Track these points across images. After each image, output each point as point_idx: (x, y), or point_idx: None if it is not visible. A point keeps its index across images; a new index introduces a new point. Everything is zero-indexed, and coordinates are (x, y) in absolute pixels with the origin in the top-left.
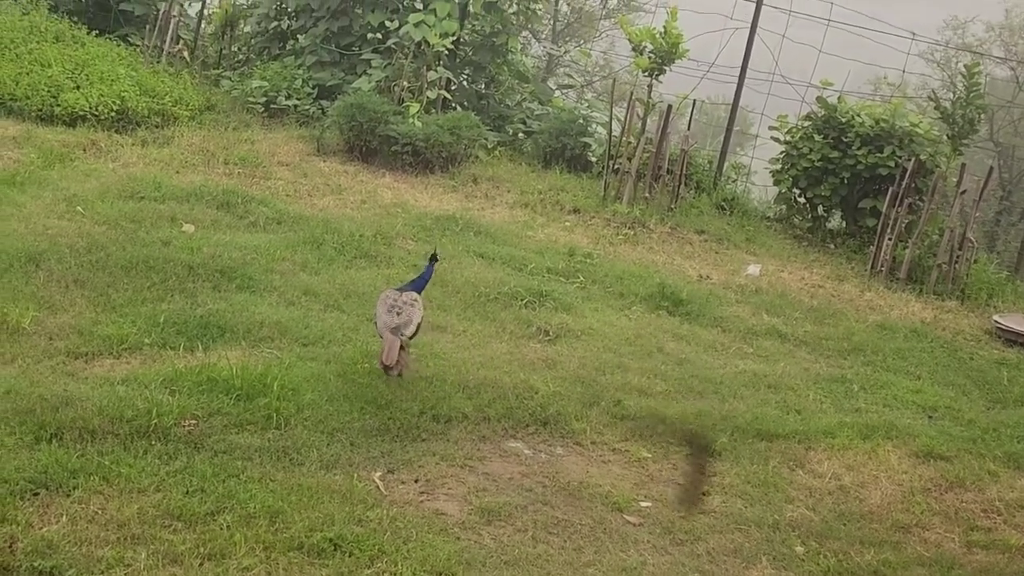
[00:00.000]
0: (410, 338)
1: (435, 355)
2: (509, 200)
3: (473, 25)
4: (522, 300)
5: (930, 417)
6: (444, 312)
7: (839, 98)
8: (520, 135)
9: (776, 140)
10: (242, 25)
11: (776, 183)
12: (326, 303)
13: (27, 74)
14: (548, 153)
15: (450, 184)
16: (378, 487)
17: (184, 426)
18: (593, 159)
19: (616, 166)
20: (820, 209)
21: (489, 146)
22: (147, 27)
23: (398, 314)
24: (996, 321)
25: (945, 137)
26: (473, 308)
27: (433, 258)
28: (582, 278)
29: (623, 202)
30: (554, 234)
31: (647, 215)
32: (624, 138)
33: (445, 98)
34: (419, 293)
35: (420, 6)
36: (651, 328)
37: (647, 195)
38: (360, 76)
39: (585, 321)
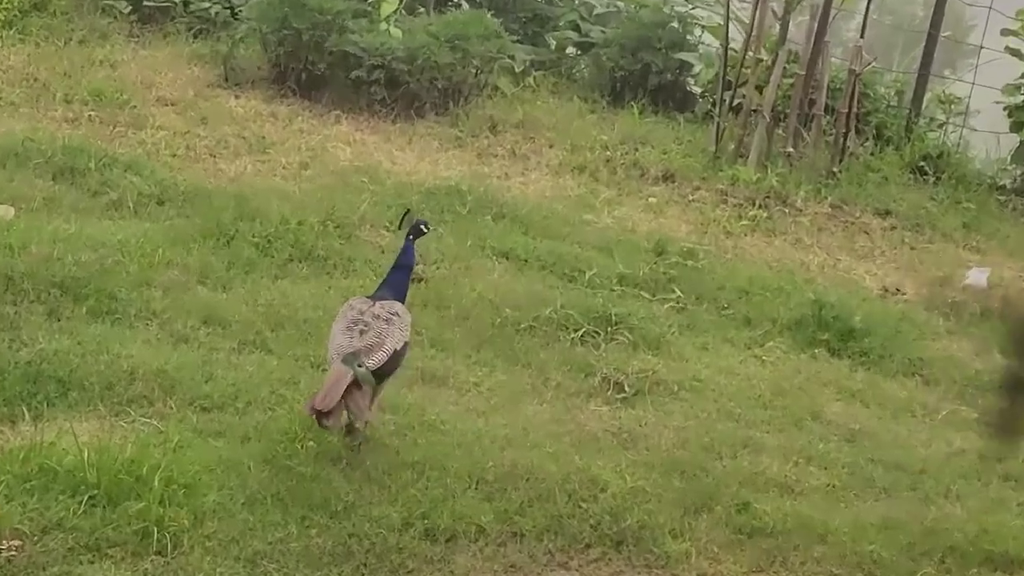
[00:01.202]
0: (377, 374)
1: (429, 425)
2: (553, 160)
3: None
4: (576, 331)
5: None
6: (443, 351)
7: None
8: (571, 50)
9: (1016, 54)
10: None
11: (1016, 128)
12: (241, 338)
13: None
14: (619, 80)
15: (452, 135)
16: None
17: (1, 551)
18: (697, 90)
19: (737, 101)
20: None
21: (518, 69)
22: None
23: (361, 333)
24: None
25: None
26: (493, 345)
27: (414, 227)
28: (679, 293)
29: (749, 162)
30: (630, 218)
31: (791, 184)
32: (750, 53)
33: None
34: (403, 301)
35: None
36: (800, 378)
37: (790, 150)
38: None
39: (686, 367)
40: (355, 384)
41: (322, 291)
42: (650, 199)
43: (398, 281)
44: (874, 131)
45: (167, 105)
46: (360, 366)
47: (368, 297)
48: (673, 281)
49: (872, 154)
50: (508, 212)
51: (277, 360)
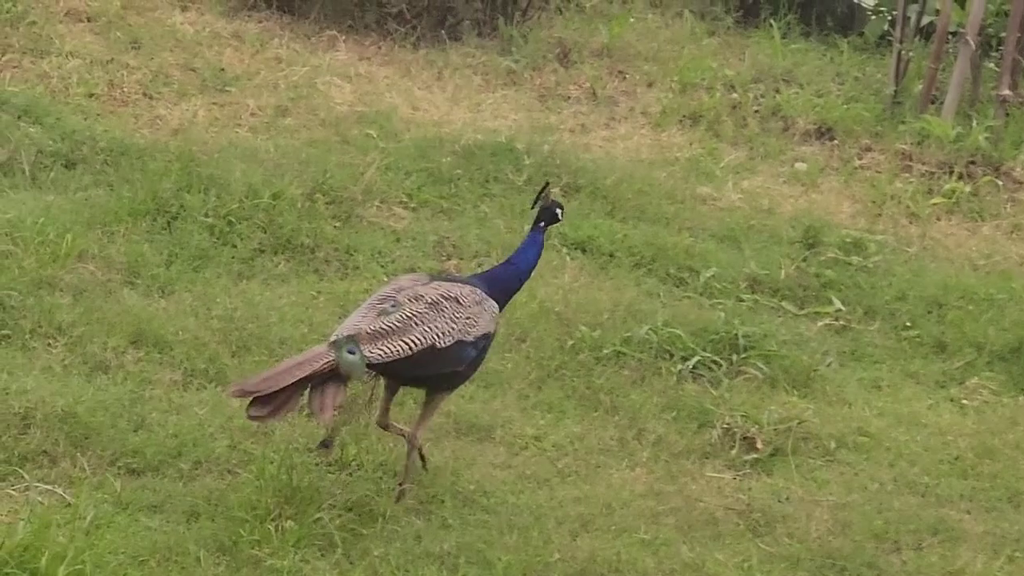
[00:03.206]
0: (391, 372)
1: (466, 498)
2: (652, 107)
3: None
4: (685, 360)
5: None
6: (488, 389)
7: None
8: None
9: None
10: None
11: None
12: (188, 367)
13: None
14: None
15: (502, 67)
16: None
17: None
18: (869, 2)
19: (927, 20)
20: None
21: None
22: None
23: (381, 313)
24: None
25: None
26: (561, 379)
27: (547, 210)
28: (839, 305)
29: (945, 111)
30: (768, 193)
31: (1007, 144)
32: None
33: None
34: (501, 303)
35: None
36: (1017, 432)
37: (1007, 92)
38: None
39: (848, 415)
40: (333, 375)
41: (307, 297)
42: (797, 164)
43: (503, 276)
44: None
45: (81, 21)
46: (352, 352)
47: (435, 276)
48: (830, 287)
49: None
50: (585, 183)
51: (240, 399)
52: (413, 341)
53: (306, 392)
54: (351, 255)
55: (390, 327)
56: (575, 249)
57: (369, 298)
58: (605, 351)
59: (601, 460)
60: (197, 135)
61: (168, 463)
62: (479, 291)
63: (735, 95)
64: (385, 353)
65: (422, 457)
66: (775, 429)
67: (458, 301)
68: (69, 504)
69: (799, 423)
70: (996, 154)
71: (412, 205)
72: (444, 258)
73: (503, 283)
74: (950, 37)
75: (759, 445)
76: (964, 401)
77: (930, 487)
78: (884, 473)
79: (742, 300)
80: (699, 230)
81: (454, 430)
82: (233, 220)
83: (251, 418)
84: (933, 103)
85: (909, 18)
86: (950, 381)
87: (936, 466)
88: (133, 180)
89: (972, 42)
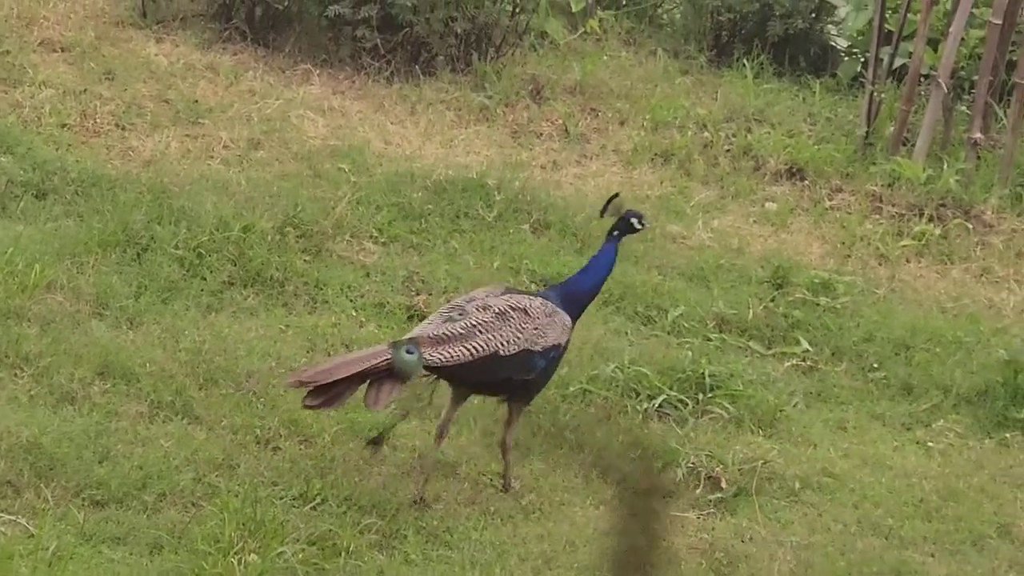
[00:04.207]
0: (449, 375)
1: (429, 534)
2: (624, 144)
3: None
4: (652, 399)
5: None
6: (453, 425)
7: None
8: None
9: None
10: None
11: None
12: (154, 399)
13: None
14: (725, 28)
15: (475, 102)
16: None
17: None
18: (841, 44)
19: (900, 62)
20: None
21: (576, 7)
22: None
23: (447, 320)
24: None
25: None
26: (526, 417)
27: (623, 220)
28: (807, 345)
29: (916, 153)
30: (738, 232)
31: (977, 187)
32: None
33: None
34: (574, 315)
35: None
36: (983, 476)
37: (978, 136)
38: None
39: (813, 456)
40: (391, 373)
41: (275, 331)
42: (768, 204)
43: (577, 288)
44: None
45: (55, 51)
46: (410, 352)
47: (510, 288)
48: (798, 328)
49: None
50: (556, 220)
51: (206, 432)
52: (475, 347)
53: (361, 387)
54: (320, 289)
55: (453, 333)
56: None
57: (440, 307)
58: (571, 388)
59: (565, 498)
60: (169, 167)
61: (132, 495)
62: (551, 304)
63: (707, 134)
64: (444, 357)
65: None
66: (740, 469)
67: (526, 312)
68: (32, 535)
69: (764, 463)
70: (967, 197)
71: (382, 240)
72: (413, 293)
73: (577, 295)
74: (922, 79)
75: (723, 485)
76: (930, 444)
77: (894, 529)
78: (848, 514)
79: (709, 339)
80: (668, 268)
81: (419, 466)
82: (203, 252)
83: (305, 406)
84: (904, 145)
85: (882, 60)
86: (916, 423)
87: (900, 508)
88: (104, 211)
89: (944, 85)
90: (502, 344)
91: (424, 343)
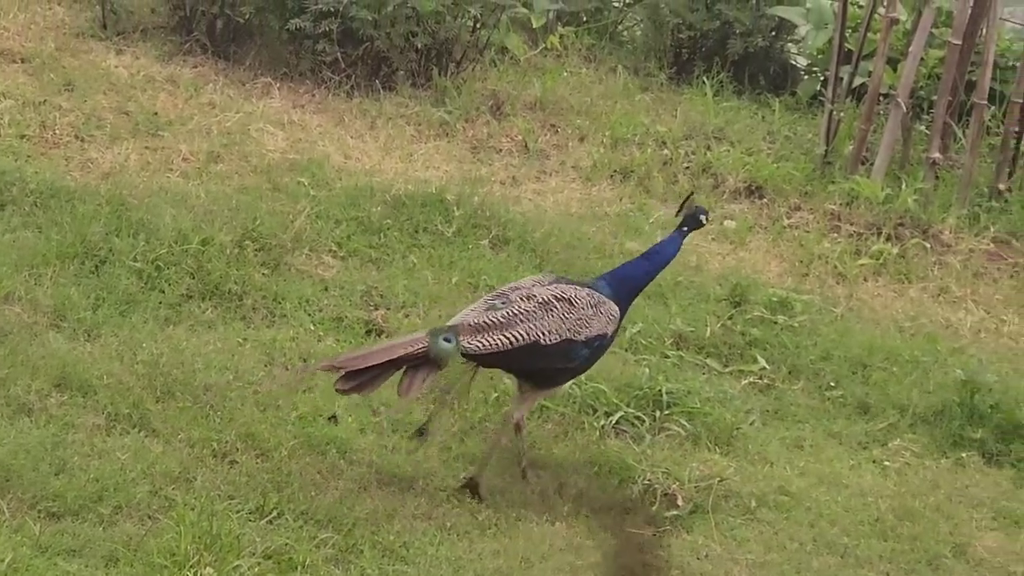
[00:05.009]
0: (488, 363)
1: (385, 549)
2: (584, 160)
3: None
4: (609, 416)
5: None
6: (412, 437)
7: None
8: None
9: None
10: None
11: None
12: (112, 412)
13: None
14: (686, 45)
15: (435, 117)
16: None
17: None
18: (801, 62)
19: (859, 82)
20: None
21: (536, 24)
22: None
23: (488, 309)
24: None
25: None
26: (483, 432)
27: (692, 216)
28: (764, 363)
29: (874, 172)
30: (696, 249)
31: (935, 206)
32: (881, 10)
33: None
34: (625, 304)
35: None
36: (939, 495)
37: (936, 156)
38: None
39: (770, 474)
40: (427, 361)
41: (233, 344)
42: (726, 222)
43: (633, 274)
44: None
45: (15, 61)
46: (448, 340)
47: (560, 277)
48: (755, 346)
49: None
50: (515, 235)
51: (163, 445)
52: (515, 336)
53: (397, 373)
54: (279, 303)
55: (494, 322)
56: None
57: (484, 295)
58: (533, 409)
59: (521, 513)
60: (128, 179)
61: (88, 508)
62: (598, 294)
63: (666, 151)
64: (483, 346)
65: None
66: (696, 486)
67: (571, 302)
68: None
69: (720, 481)
70: (925, 216)
71: (341, 254)
72: (371, 308)
73: (631, 280)
74: (881, 99)
75: (680, 502)
76: (886, 463)
77: (849, 548)
78: (804, 533)
79: (667, 356)
80: None
81: (376, 480)
82: (161, 265)
83: (338, 390)
84: (863, 164)
85: (842, 79)
86: (872, 442)
87: (856, 527)
88: (62, 223)
89: (903, 104)
90: (543, 333)
91: (463, 331)
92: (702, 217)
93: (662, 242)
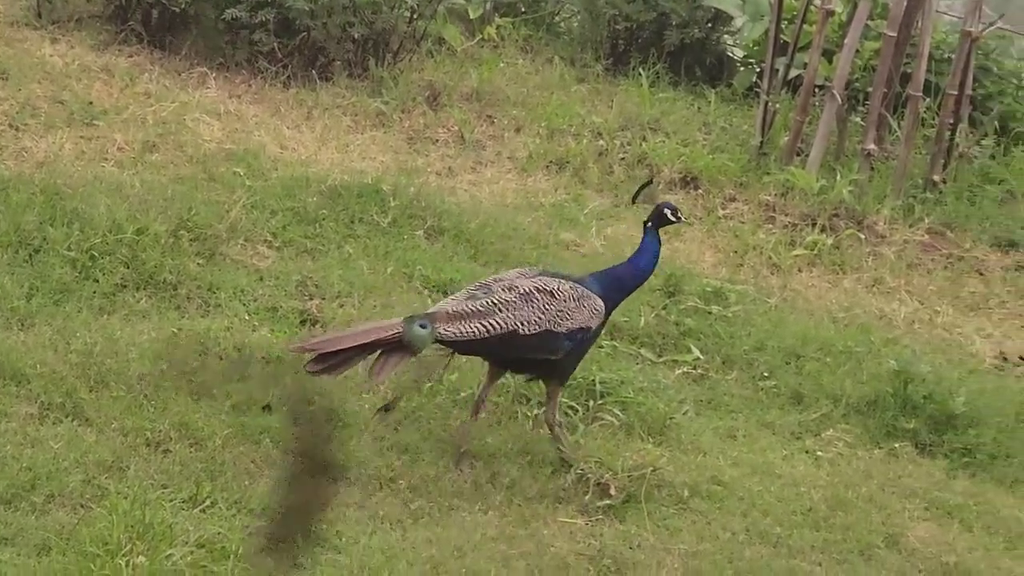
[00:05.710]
0: (466, 350)
1: (320, 537)
2: (519, 151)
3: None
4: (540, 403)
5: None
6: (344, 429)
7: None
8: None
9: None
10: None
11: None
12: (44, 401)
13: None
14: (622, 36)
15: (371, 108)
16: None
17: None
18: (737, 54)
19: (795, 73)
20: None
21: (473, 14)
22: None
23: (468, 298)
24: None
25: None
26: (417, 422)
27: (657, 212)
28: (698, 354)
29: (809, 163)
30: (631, 240)
31: (870, 198)
32: (817, 2)
33: None
34: (610, 303)
35: None
36: (871, 485)
37: (871, 147)
38: None
39: (703, 463)
40: (400, 346)
41: (167, 334)
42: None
43: (620, 275)
44: (996, 123)
45: None
46: (423, 327)
47: (545, 271)
48: (689, 336)
49: (993, 157)
50: (450, 226)
51: (96, 434)
52: (492, 325)
53: (369, 357)
54: (213, 293)
55: (472, 310)
56: (437, 292)
57: (467, 285)
58: (463, 394)
59: (454, 503)
60: (63, 168)
61: (21, 496)
62: (582, 288)
63: (602, 142)
64: (458, 333)
65: (555, 435)
66: (629, 476)
67: (553, 294)
68: None
69: (653, 470)
70: (859, 208)
71: (276, 244)
72: (306, 298)
73: (619, 282)
74: (817, 90)
75: (612, 491)
76: (819, 453)
77: (782, 538)
78: (736, 523)
79: (601, 346)
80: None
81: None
82: (96, 255)
83: (309, 372)
84: (798, 155)
85: (777, 70)
86: (806, 432)
87: (789, 517)
88: None
89: (839, 96)
90: (522, 324)
91: (440, 318)
92: (668, 212)
93: (639, 248)
